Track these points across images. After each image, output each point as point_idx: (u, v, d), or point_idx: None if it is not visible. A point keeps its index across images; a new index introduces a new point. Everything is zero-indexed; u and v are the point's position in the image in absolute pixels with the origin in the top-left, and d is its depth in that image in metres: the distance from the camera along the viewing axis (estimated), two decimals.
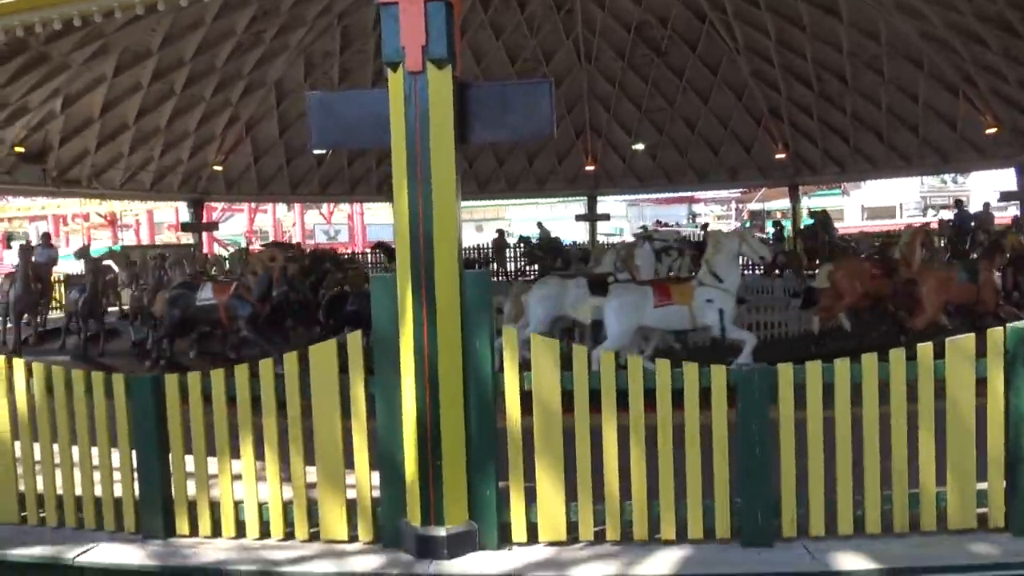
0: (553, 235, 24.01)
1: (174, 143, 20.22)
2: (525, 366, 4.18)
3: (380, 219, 51.51)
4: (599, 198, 25.55)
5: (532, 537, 4.20)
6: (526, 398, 4.15)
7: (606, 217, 24.99)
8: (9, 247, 39.40)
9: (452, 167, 4.15)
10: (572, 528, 4.20)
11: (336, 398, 4.27)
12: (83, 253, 12.31)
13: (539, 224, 24.09)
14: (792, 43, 18.31)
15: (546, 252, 21.43)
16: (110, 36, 14.55)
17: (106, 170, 19.64)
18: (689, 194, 42.92)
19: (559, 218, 48.41)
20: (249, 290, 9.82)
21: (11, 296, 13.54)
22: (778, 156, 21.55)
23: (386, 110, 4.25)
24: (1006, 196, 20.14)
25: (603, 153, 23.48)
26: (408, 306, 4.13)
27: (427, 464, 4.11)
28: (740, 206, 48.51)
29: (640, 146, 22.53)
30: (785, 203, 30.30)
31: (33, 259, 14.70)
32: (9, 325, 13.61)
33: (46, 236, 17.49)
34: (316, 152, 22.42)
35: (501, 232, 24.74)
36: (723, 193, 44.36)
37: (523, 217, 52.71)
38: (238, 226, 49.42)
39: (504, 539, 4.19)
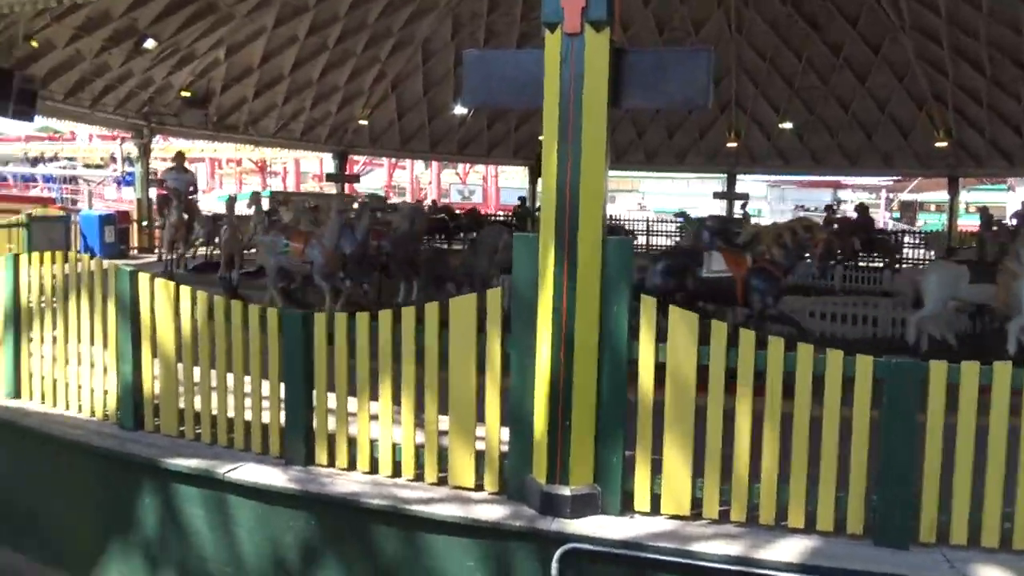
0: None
1: (324, 96, 21.07)
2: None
3: (514, 182, 52.03)
4: (739, 176, 24.80)
5: (655, 508, 4.21)
6: (660, 370, 4.14)
7: (745, 197, 24.21)
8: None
9: (603, 131, 4.14)
10: (696, 504, 4.18)
11: (472, 352, 4.38)
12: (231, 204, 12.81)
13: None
14: (965, 22, 16.96)
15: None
16: None
17: (261, 118, 20.70)
18: (835, 179, 40.95)
19: (696, 194, 47.42)
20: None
21: (165, 225, 14.68)
22: (938, 144, 20.20)
23: (540, 71, 4.27)
24: None
25: (747, 130, 22.72)
26: (549, 267, 4.17)
27: (556, 424, 4.18)
28: (891, 195, 45.81)
29: (788, 125, 21.65)
30: (942, 196, 28.43)
31: (167, 184, 15.06)
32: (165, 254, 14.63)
33: (179, 157, 15.59)
34: (457, 112, 22.80)
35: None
36: (873, 180, 41.99)
37: (657, 191, 51.88)
38: (378, 180, 51.06)
39: (627, 507, 4.22)
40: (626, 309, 4.12)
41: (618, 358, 4.14)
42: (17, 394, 6.11)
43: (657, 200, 48.34)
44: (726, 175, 24.59)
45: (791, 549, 3.84)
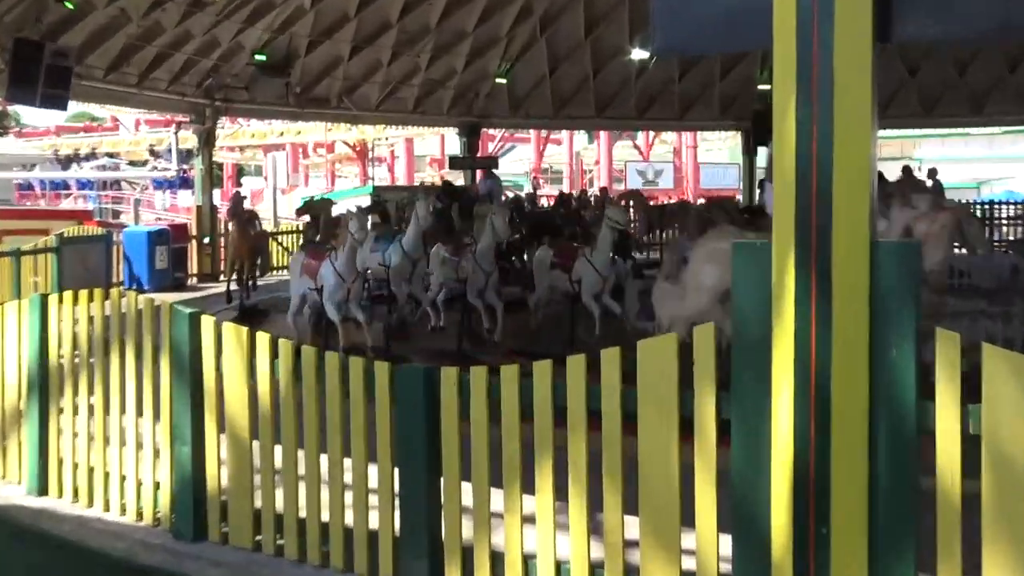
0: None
1: (445, 47, 21.67)
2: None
3: (720, 158, 51.53)
4: None
5: None
6: (971, 443, 3.87)
7: None
8: (240, 184, 44.44)
9: (868, 79, 3.96)
10: None
11: (674, 418, 4.28)
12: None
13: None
14: None
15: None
16: None
17: (360, 85, 21.57)
18: None
19: (1005, 158, 45.21)
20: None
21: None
22: None
23: None
24: None
25: None
26: (788, 290, 4.02)
27: (806, 529, 4.02)
28: None
29: None
30: None
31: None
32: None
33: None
34: (635, 59, 22.81)
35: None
36: None
37: (942, 156, 49.95)
38: (520, 163, 51.93)
39: None
40: (911, 349, 3.89)
41: (902, 427, 3.93)
42: (44, 489, 6.51)
43: (944, 171, 46.33)
44: None
45: None
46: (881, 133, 35.90)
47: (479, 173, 24.70)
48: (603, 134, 45.50)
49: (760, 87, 23.86)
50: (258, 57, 18.91)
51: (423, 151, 52.18)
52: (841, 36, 3.99)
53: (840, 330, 3.95)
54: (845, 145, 3.97)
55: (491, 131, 39.79)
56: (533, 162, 49.54)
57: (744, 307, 4.17)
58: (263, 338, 5.34)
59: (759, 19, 4.20)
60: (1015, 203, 24.06)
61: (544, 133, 46.87)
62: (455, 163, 26.33)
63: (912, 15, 4.11)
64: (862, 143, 3.98)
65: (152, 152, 51.27)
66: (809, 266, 3.99)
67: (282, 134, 48.49)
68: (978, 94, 23.18)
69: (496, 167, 26.25)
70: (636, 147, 51.64)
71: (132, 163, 53.89)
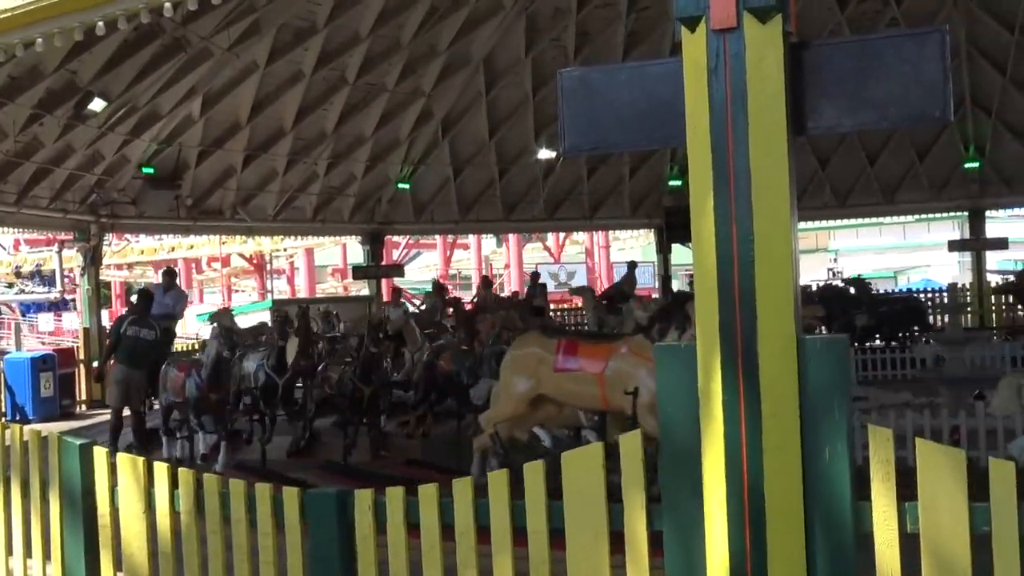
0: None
1: (345, 152, 21.81)
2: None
3: (634, 256, 52.15)
4: (988, 213, 24.24)
5: None
6: (910, 543, 3.91)
7: (1002, 244, 23.59)
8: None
9: (785, 172, 4.07)
10: None
11: (604, 533, 4.27)
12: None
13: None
14: None
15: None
16: (263, 9, 16.02)
17: (255, 195, 21.53)
18: None
19: (918, 246, 46.69)
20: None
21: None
22: None
23: (676, 91, 4.26)
24: None
25: (994, 141, 22.33)
26: (715, 393, 4.07)
27: None
28: None
29: None
30: None
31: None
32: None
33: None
34: (542, 158, 23.19)
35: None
36: None
37: (857, 246, 51.33)
38: (427, 270, 52.07)
39: None
40: (845, 448, 3.95)
41: (839, 531, 3.96)
42: None
43: (858, 262, 47.64)
44: (966, 214, 24.09)
45: None
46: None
47: (386, 289, 24.76)
48: (512, 237, 45.91)
49: (671, 183, 24.40)
50: (145, 170, 18.82)
51: (324, 261, 52.07)
52: (756, 131, 4.09)
53: (771, 432, 3.98)
54: (766, 241, 4.06)
55: (395, 238, 39.92)
56: (440, 268, 49.72)
57: (671, 412, 4.19)
58: (161, 468, 5.22)
59: (670, 116, 4.32)
60: (934, 291, 24.74)
61: (451, 238, 47.15)
62: (358, 273, 26.28)
63: (826, 107, 4.26)
64: (783, 238, 4.07)
65: (18, 274, 50.29)
66: (736, 367, 4.03)
67: (173, 249, 48.05)
68: (890, 184, 23.96)
69: (402, 275, 26.31)
70: (547, 249, 52.11)
71: (10, 285, 52.75)
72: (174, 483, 5.17)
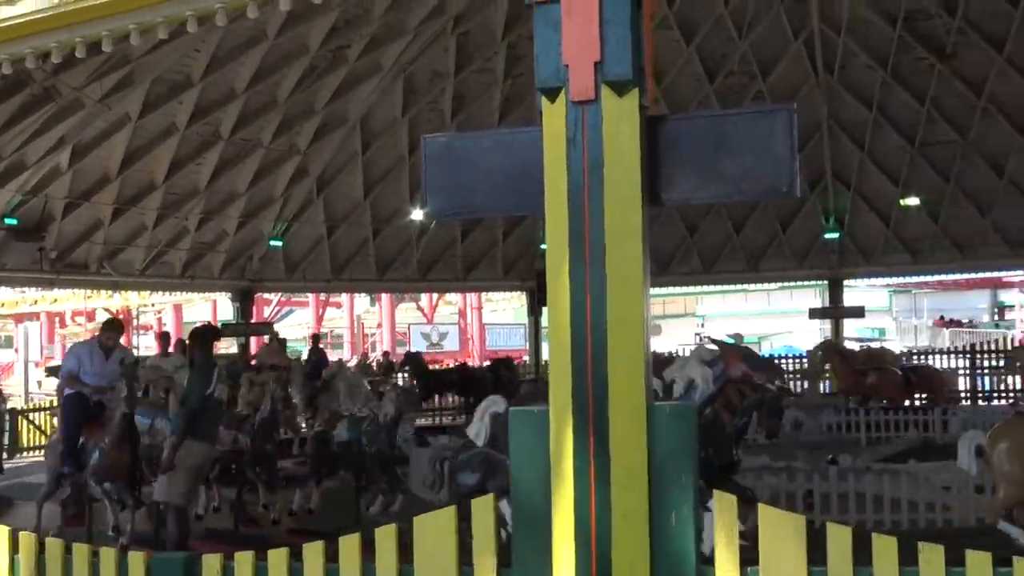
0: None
1: (217, 208, 21.48)
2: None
3: (505, 318, 52.54)
4: (847, 282, 25.01)
5: None
6: None
7: (859, 312, 24.35)
8: None
9: (639, 241, 4.14)
10: None
11: None
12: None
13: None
14: None
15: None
16: (137, 61, 15.74)
17: (122, 249, 21.01)
18: (994, 275, 41.46)
19: (782, 312, 47.91)
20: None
21: None
22: None
23: (537, 159, 4.31)
24: None
25: (853, 213, 23.11)
26: (566, 457, 4.09)
27: None
28: None
29: (914, 200, 22.06)
30: None
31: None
32: None
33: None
34: (416, 219, 23.22)
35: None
36: None
37: (723, 311, 52.44)
38: (298, 328, 51.48)
39: None
40: (692, 513, 4.00)
41: None
42: None
43: (724, 326, 48.62)
44: (826, 282, 24.80)
45: None
46: (664, 290, 37.43)
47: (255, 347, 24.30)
48: (385, 296, 45.70)
49: (543, 247, 24.55)
50: (8, 221, 18.27)
51: (193, 317, 51.00)
52: (612, 200, 4.16)
53: (620, 496, 4.01)
54: (618, 308, 4.11)
55: (267, 295, 39.41)
56: (312, 327, 49.19)
57: (522, 477, 4.19)
58: (1, 531, 5.02)
59: (532, 183, 4.36)
60: (795, 357, 25.37)
61: (323, 296, 46.72)
62: (227, 330, 25.76)
63: (680, 179, 4.35)
64: (635, 306, 4.13)
65: None
66: (587, 431, 4.06)
67: (36, 302, 46.65)
68: (754, 251, 24.56)
69: (271, 332, 25.93)
70: (420, 309, 52.04)
71: None
72: (14, 548, 4.97)
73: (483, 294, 44.97)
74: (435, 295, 48.30)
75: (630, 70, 4.16)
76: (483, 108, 21.36)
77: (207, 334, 10.98)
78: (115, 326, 12.87)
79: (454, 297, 48.98)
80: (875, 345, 27.24)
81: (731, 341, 12.65)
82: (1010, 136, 20.61)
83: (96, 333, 13.19)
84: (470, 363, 33.70)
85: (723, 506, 4.06)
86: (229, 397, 13.70)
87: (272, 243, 22.96)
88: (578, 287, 4.15)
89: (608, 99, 4.18)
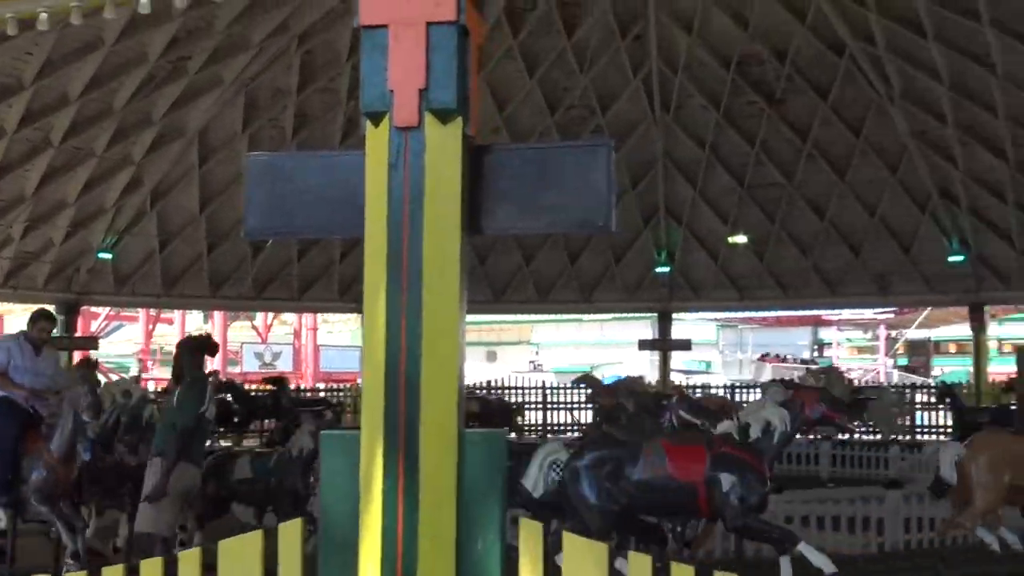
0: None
1: (43, 217, 20.82)
2: None
3: (342, 339, 52.10)
4: (676, 316, 25.63)
5: None
6: None
7: (686, 345, 24.98)
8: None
9: (456, 269, 4.16)
10: None
11: None
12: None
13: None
14: (974, 89, 18.58)
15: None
16: None
17: None
18: (815, 313, 43.08)
19: (614, 343, 48.69)
20: None
21: None
22: (952, 259, 21.62)
23: (360, 182, 4.30)
24: None
25: (684, 249, 23.73)
26: (376, 482, 4.06)
27: None
28: (893, 333, 48.39)
29: (741, 239, 22.79)
30: (963, 331, 30.32)
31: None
32: None
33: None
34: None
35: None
36: (867, 313, 44.40)
37: (556, 340, 52.97)
38: (127, 344, 50.05)
39: None
40: (498, 542, 4.02)
41: None
42: None
43: (558, 355, 49.32)
44: (656, 315, 25.38)
45: None
46: (500, 318, 37.82)
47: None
48: (218, 314, 44.80)
49: None
50: None
51: (15, 328, 49.09)
52: (431, 228, 4.17)
53: (427, 524, 4.00)
54: (434, 335, 4.12)
55: (94, 308, 38.19)
56: (141, 343, 47.86)
57: (331, 501, 4.16)
58: None
59: (353, 207, 4.34)
60: None
61: (153, 312, 45.50)
62: (51, 344, 24.90)
63: (501, 209, 4.39)
64: (450, 333, 4.15)
65: None
66: (397, 456, 4.05)
67: None
68: (589, 282, 24.99)
69: (96, 347, 25.09)
70: (254, 328, 51.16)
71: None
72: None
73: (319, 315, 44.53)
74: (270, 314, 47.66)
75: (454, 98, 4.18)
76: (326, 128, 21.27)
77: (198, 345, 10.11)
78: (48, 316, 11.34)
79: (290, 317, 48.39)
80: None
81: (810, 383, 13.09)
82: (831, 182, 21.53)
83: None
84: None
85: (527, 533, 4.10)
86: None
87: (101, 255, 22.34)
88: (394, 313, 4.15)
89: (431, 126, 4.19)
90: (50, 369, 10.17)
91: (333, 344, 51.47)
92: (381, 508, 4.05)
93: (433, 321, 4.12)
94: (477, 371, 31.31)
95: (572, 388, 24.32)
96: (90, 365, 9.99)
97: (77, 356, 24.24)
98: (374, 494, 4.07)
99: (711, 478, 8.28)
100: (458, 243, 4.19)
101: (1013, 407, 17.43)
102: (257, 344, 49.10)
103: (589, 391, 17.45)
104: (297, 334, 49.78)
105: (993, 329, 31.47)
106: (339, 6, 18.09)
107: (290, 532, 4.18)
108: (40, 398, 9.88)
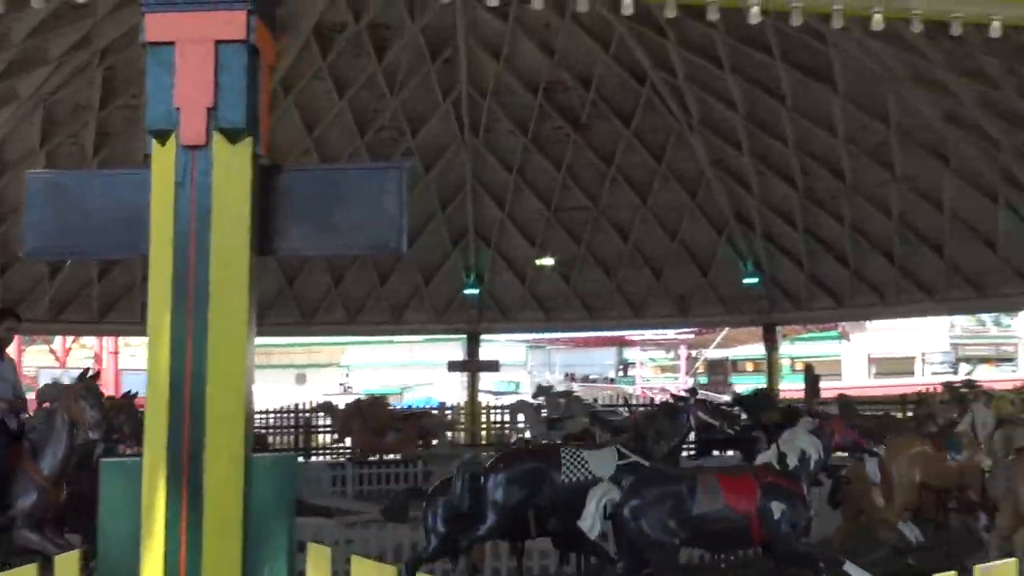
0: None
1: None
2: None
3: (144, 363, 50.46)
4: (486, 337, 25.77)
5: None
6: None
7: (494, 366, 25.17)
8: None
9: (245, 291, 4.12)
10: None
11: None
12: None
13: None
14: (767, 120, 19.37)
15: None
16: None
17: None
18: (619, 334, 44.05)
19: (423, 364, 48.65)
20: None
21: None
22: (747, 281, 22.42)
23: (145, 201, 4.21)
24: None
25: (492, 271, 23.90)
26: (158, 510, 3.98)
27: None
28: (693, 353, 49.92)
29: (548, 261, 23.10)
30: (758, 350, 31.48)
31: None
32: None
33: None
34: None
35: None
36: (668, 333, 45.67)
37: (367, 362, 52.55)
38: None
39: None
40: (285, 565, 4.00)
41: None
42: None
43: (368, 377, 49.00)
44: (466, 336, 25.47)
45: None
46: (310, 340, 37.03)
47: None
48: (15, 337, 42.89)
49: None
50: None
51: None
52: (219, 248, 4.11)
53: (212, 552, 3.93)
54: (221, 358, 4.05)
55: None
56: None
57: (111, 528, 4.05)
58: None
59: (139, 225, 4.24)
60: (430, 408, 25.99)
61: None
62: None
63: (293, 230, 4.37)
64: (238, 356, 4.09)
65: None
66: (181, 482, 3.97)
67: None
68: (398, 303, 24.85)
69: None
70: (52, 352, 49.14)
71: None
72: None
73: (121, 338, 43.08)
74: (69, 337, 45.84)
75: (244, 118, 4.15)
76: (128, 144, 20.55)
77: None
78: (14, 314, 10.26)
79: (90, 340, 46.65)
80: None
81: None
82: (635, 206, 22.10)
83: None
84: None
85: (315, 558, 4.07)
86: None
87: None
88: (179, 335, 4.07)
89: (220, 145, 4.15)
90: (11, 375, 9.03)
91: (137, 368, 49.88)
92: (163, 536, 3.95)
93: (220, 344, 4.06)
94: (287, 394, 30.77)
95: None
96: (91, 380, 8.87)
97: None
98: (156, 522, 3.97)
99: (763, 508, 8.52)
100: (247, 264, 4.14)
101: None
102: (55, 369, 47.22)
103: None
104: (98, 358, 48.06)
105: (785, 348, 32.79)
106: (142, 22, 17.59)
107: (66, 564, 4.04)
108: (15, 410, 8.81)
